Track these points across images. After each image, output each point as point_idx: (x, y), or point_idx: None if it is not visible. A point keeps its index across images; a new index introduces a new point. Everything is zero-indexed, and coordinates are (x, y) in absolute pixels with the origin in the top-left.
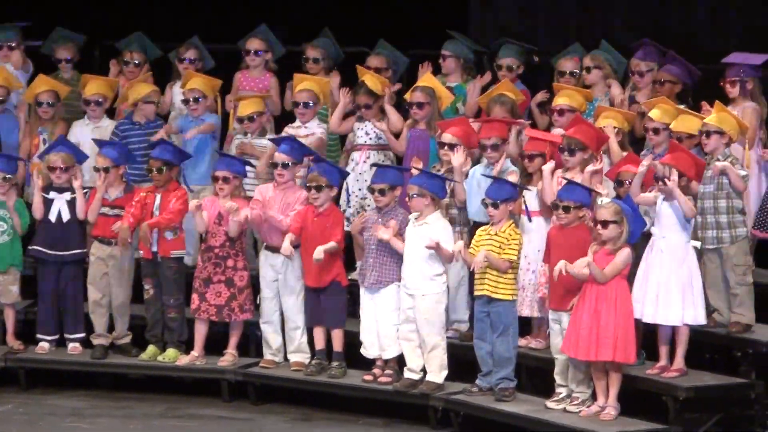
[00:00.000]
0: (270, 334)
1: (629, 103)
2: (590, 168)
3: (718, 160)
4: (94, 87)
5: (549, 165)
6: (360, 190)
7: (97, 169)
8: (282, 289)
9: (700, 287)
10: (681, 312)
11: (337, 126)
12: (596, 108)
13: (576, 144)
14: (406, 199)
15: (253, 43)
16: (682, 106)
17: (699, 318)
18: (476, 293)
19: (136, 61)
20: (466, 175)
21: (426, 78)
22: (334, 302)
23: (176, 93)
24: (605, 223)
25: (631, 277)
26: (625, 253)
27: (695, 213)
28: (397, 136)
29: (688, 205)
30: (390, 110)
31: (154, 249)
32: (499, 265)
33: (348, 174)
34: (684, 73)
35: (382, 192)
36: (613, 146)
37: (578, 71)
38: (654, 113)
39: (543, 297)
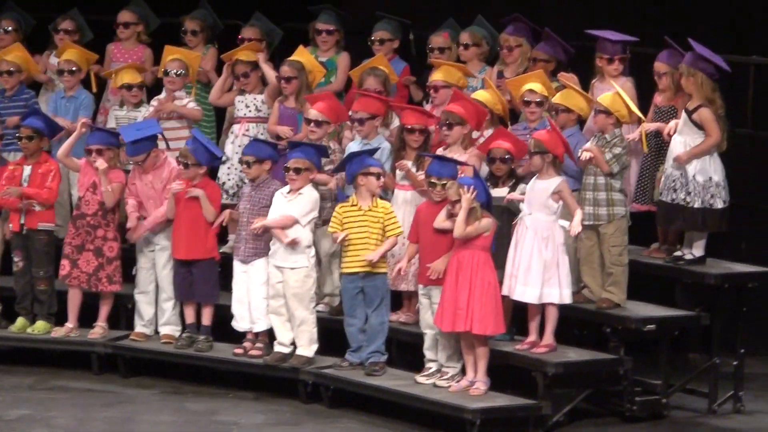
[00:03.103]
0: (143, 304)
1: (497, 77)
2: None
3: (605, 139)
4: None
5: (407, 163)
6: (240, 162)
7: None
8: (157, 260)
9: (567, 267)
10: (539, 290)
11: (216, 97)
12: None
13: (454, 118)
14: (292, 174)
15: (124, 16)
16: (555, 85)
17: (564, 297)
18: (349, 270)
19: (8, 29)
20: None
21: (297, 52)
22: (206, 277)
23: (52, 63)
24: (453, 203)
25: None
26: (485, 221)
27: (609, 170)
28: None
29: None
30: (266, 68)
31: (22, 221)
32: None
33: (220, 157)
34: (557, 50)
35: (248, 164)
36: None
37: (447, 47)
38: (536, 86)
39: (399, 275)
